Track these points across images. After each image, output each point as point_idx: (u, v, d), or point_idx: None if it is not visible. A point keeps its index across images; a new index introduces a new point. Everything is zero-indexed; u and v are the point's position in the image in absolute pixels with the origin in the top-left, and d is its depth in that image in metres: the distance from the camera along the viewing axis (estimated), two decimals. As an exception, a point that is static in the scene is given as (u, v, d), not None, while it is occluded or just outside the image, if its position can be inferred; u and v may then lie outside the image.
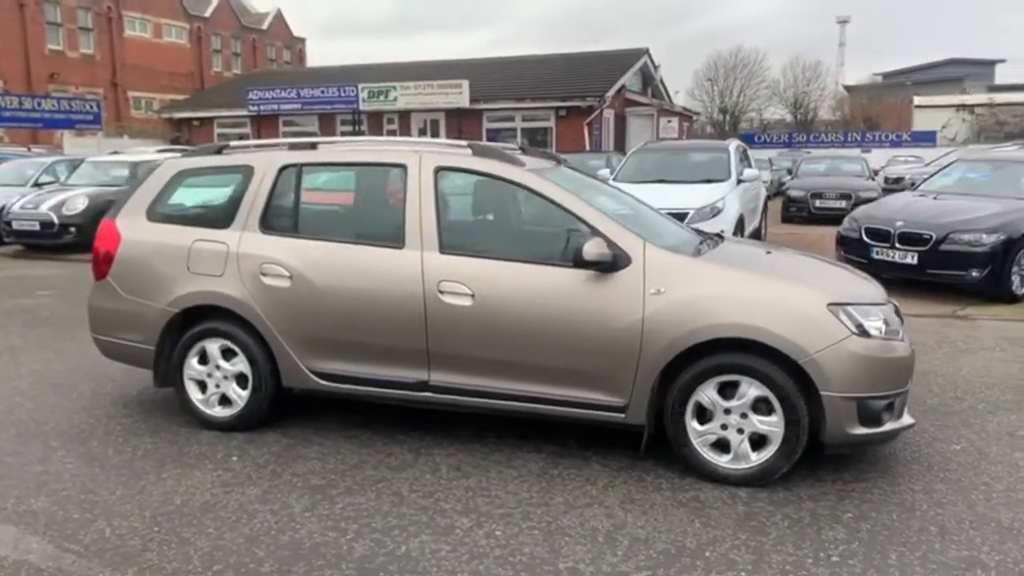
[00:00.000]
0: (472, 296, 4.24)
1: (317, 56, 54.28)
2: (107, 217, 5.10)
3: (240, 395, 4.76)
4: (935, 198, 10.22)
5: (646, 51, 24.99)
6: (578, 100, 21.13)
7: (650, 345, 4.01)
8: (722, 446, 4.07)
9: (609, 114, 21.17)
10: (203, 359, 4.83)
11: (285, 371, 4.66)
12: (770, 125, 58.99)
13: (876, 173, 19.19)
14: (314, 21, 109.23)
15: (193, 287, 4.71)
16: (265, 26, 46.21)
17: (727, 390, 4.02)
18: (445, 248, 4.36)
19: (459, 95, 21.36)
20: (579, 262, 4.06)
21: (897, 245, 9.25)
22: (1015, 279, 8.90)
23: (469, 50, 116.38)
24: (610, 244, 4.08)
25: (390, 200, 4.68)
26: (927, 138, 36.36)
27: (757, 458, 4.00)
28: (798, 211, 16.96)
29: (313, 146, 4.92)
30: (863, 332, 3.93)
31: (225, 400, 4.82)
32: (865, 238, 9.61)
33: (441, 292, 4.29)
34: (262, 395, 4.71)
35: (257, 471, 4.26)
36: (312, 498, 3.93)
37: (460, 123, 21.43)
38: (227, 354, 4.77)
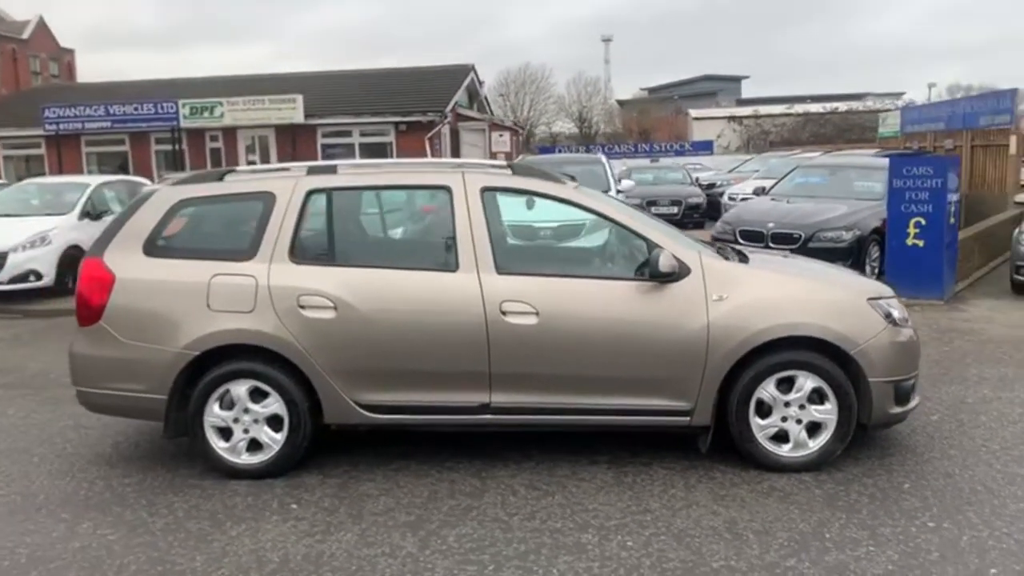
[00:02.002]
0: (537, 314, 4.26)
1: (85, 70, 49.31)
2: (90, 255, 4.53)
3: (274, 439, 4.42)
4: (788, 202, 11.42)
5: (472, 67, 25.50)
6: (419, 115, 21.08)
7: (716, 349, 4.25)
8: (780, 437, 4.39)
9: (445, 129, 21.37)
10: (224, 403, 4.43)
11: (329, 407, 4.40)
12: (559, 138, 61.87)
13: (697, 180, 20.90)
14: (74, 32, 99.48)
15: (217, 326, 4.32)
16: (26, 35, 41.42)
17: (782, 384, 4.35)
18: (501, 268, 4.34)
19: (293, 110, 20.55)
20: (655, 275, 4.22)
21: (771, 244, 10.23)
22: (867, 268, 10.18)
23: (244, 64, 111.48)
24: (673, 255, 4.28)
25: (434, 222, 4.57)
26: (706, 147, 39.95)
27: (814, 444, 4.36)
28: (635, 218, 18.08)
29: (333, 169, 4.68)
30: (892, 322, 4.43)
31: (254, 445, 4.45)
32: (740, 240, 10.52)
33: (504, 313, 4.26)
34: (300, 436, 4.41)
35: (331, 515, 4.00)
36: (416, 535, 3.77)
37: (294, 139, 20.63)
38: (255, 396, 4.42)
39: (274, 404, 4.40)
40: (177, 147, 21.32)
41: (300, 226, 4.43)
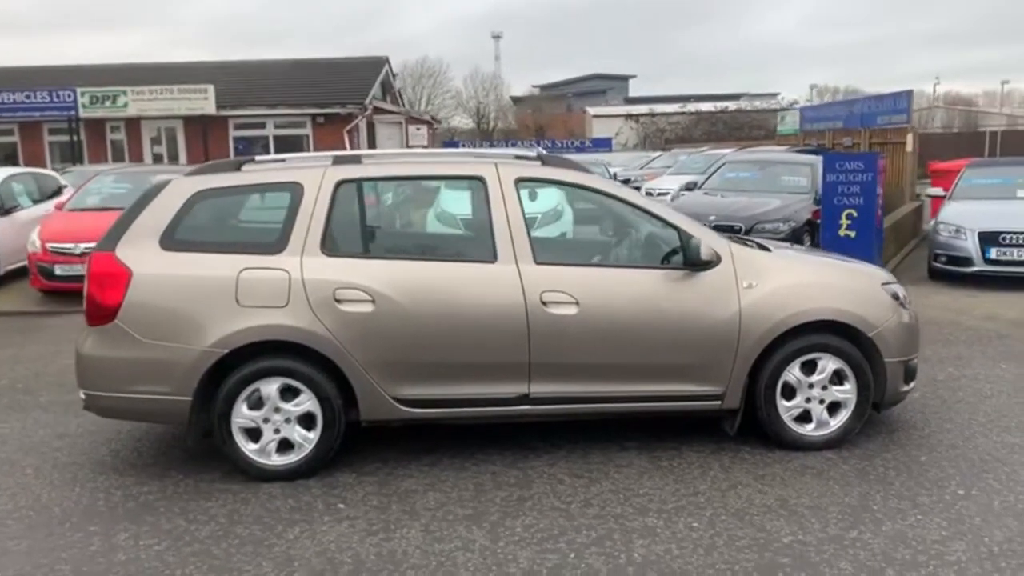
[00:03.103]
0: (577, 304, 4.29)
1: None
2: (100, 249, 4.24)
3: (307, 438, 4.27)
4: (722, 196, 11.86)
5: (386, 60, 25.10)
6: (338, 107, 20.57)
7: (748, 334, 4.40)
8: (803, 417, 4.59)
9: (362, 122, 20.96)
10: (251, 403, 4.24)
11: (365, 403, 4.28)
12: (456, 133, 61.66)
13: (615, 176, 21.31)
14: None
15: (248, 322, 4.13)
16: None
17: (804, 367, 4.55)
18: (539, 259, 4.35)
19: (204, 100, 19.59)
20: (697, 263, 4.33)
21: (714, 237, 10.61)
22: (801, 260, 10.70)
23: (124, 53, 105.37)
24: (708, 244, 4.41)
25: (469, 213, 4.52)
26: (605, 144, 40.72)
27: (835, 423, 4.58)
28: (558, 212, 18.32)
29: (358, 159, 4.55)
30: (900, 304, 4.71)
31: (284, 446, 4.29)
32: (683, 232, 10.85)
33: (544, 303, 4.27)
34: (334, 434, 4.28)
35: (384, 513, 3.91)
36: (481, 527, 3.74)
37: (205, 131, 19.70)
38: (285, 394, 4.25)
39: (307, 402, 4.25)
40: (75, 138, 19.98)
41: (331, 218, 4.28)
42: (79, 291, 9.45)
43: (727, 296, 4.41)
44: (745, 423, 4.61)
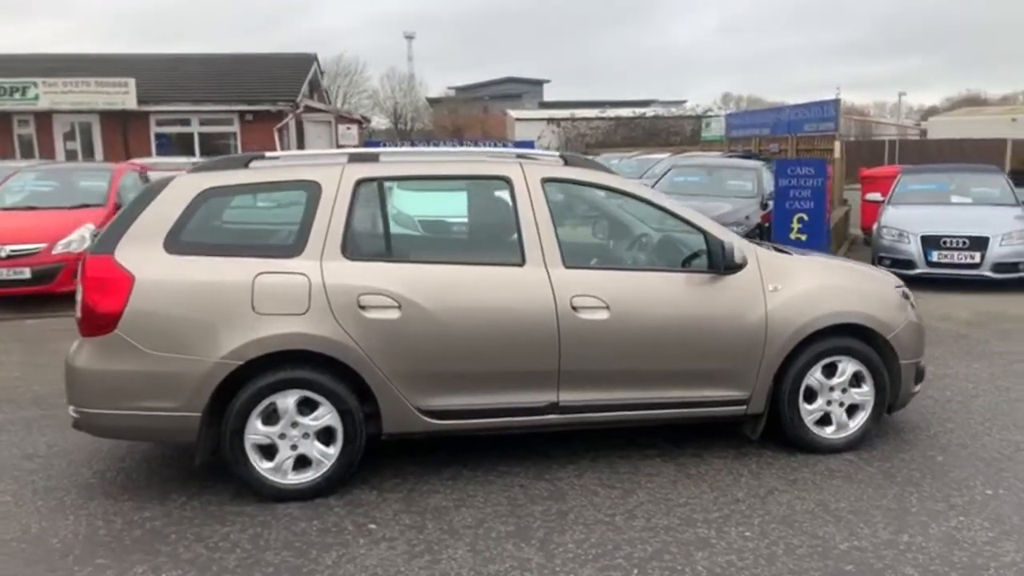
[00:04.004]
0: (607, 308, 4.17)
1: None
2: (96, 252, 3.85)
3: (326, 454, 4.00)
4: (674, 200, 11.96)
5: (315, 56, 24.35)
6: (268, 104, 19.79)
7: (774, 338, 4.37)
8: (822, 420, 4.59)
9: (292, 120, 20.25)
10: (268, 418, 3.94)
11: (389, 416, 4.04)
12: (375, 133, 60.74)
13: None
14: None
15: (266, 331, 3.83)
16: None
17: (825, 370, 4.55)
18: (568, 262, 4.20)
19: (124, 95, 18.48)
20: (730, 266, 4.27)
21: (670, 240, 10.69)
22: (753, 262, 10.91)
23: (21, 44, 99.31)
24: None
25: (494, 214, 4.32)
26: (528, 146, 40.71)
27: (854, 425, 4.61)
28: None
29: (375, 157, 4.30)
30: (911, 305, 4.78)
31: (300, 463, 4.00)
32: (639, 235, 10.90)
33: (575, 308, 4.13)
34: (355, 449, 4.03)
35: (422, 533, 3.68)
36: (530, 545, 3.56)
37: (125, 127, 18.62)
38: (303, 408, 3.97)
39: (326, 416, 3.98)
40: (-20, 133, 18.64)
41: (351, 218, 4.02)
42: (9, 296, 8.90)
43: (754, 299, 4.37)
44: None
